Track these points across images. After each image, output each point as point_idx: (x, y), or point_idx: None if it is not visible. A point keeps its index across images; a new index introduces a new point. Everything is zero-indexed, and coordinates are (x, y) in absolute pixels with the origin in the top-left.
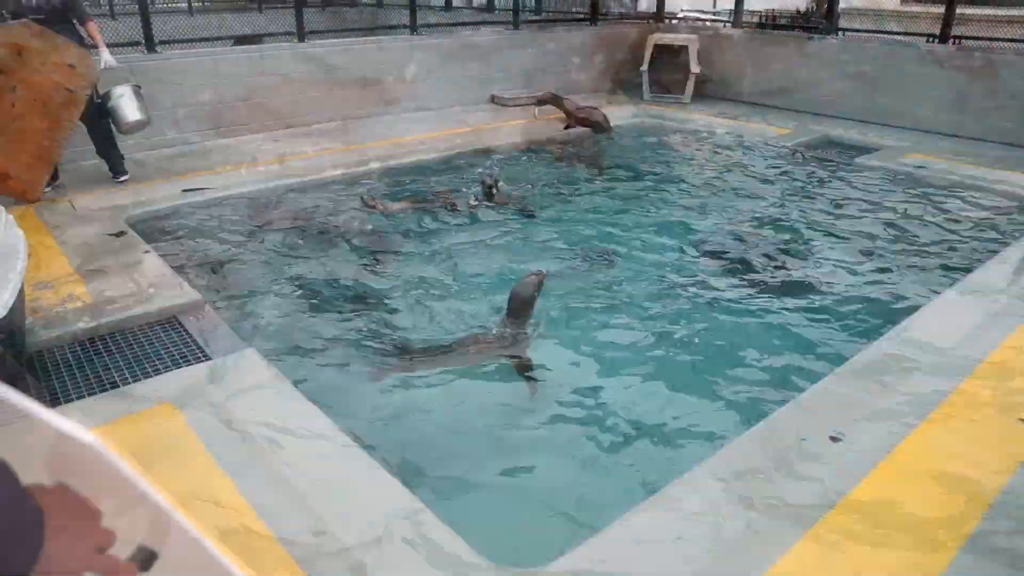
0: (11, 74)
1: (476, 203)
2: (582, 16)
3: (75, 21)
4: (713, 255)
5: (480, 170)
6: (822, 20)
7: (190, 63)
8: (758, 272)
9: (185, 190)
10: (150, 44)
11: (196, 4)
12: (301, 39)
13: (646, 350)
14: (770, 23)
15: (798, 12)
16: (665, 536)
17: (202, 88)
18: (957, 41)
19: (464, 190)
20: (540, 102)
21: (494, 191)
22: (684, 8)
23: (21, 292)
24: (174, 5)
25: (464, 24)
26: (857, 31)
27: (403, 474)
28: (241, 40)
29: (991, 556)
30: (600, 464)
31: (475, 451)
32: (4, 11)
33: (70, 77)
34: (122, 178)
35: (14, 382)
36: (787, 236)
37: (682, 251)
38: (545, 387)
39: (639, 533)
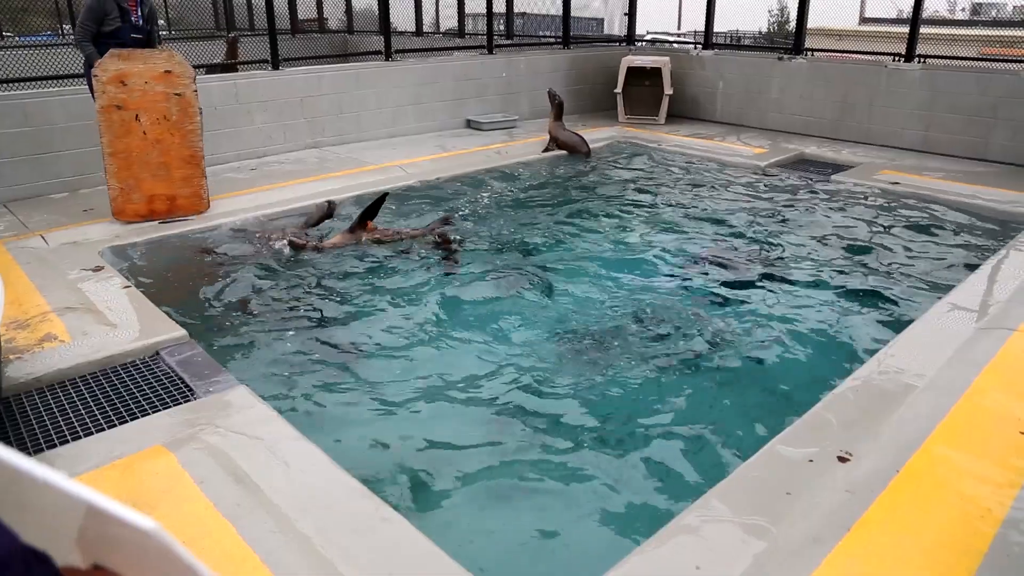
0: (127, 106)
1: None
2: (554, 40)
3: None
4: (695, 276)
5: (439, 217)
6: (786, 40)
7: None
8: (742, 292)
9: (163, 222)
10: None
11: (163, 32)
12: (275, 66)
13: (639, 376)
14: (734, 43)
15: (760, 33)
16: (684, 565)
17: None
18: (922, 60)
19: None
20: (551, 97)
21: (453, 246)
22: (650, 31)
23: None
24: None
25: (438, 50)
26: (823, 51)
27: (409, 511)
28: (213, 68)
29: (1010, 571)
30: (606, 492)
31: (482, 484)
32: (103, 34)
33: (172, 82)
34: None
35: None
36: (769, 255)
37: (663, 273)
38: (547, 416)
39: (658, 564)
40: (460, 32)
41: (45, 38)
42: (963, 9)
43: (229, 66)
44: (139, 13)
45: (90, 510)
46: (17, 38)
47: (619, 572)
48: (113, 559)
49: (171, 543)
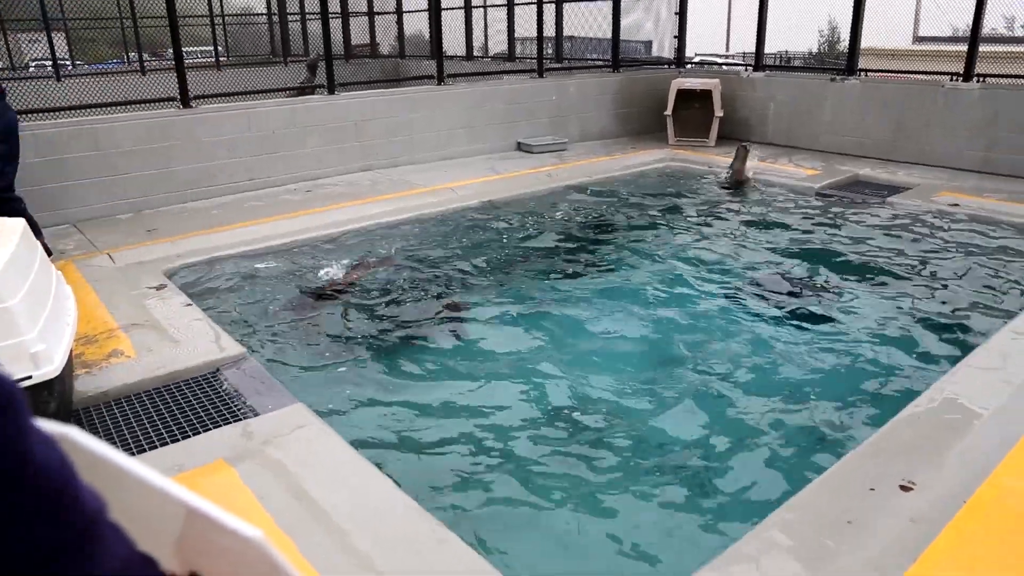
0: None
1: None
2: (603, 63)
3: None
4: (748, 301)
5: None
6: (836, 61)
7: (223, 117)
8: (796, 318)
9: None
10: (185, 100)
11: (223, 59)
12: (331, 91)
13: (693, 401)
14: (783, 64)
15: (810, 53)
16: None
17: (234, 141)
18: (981, 78)
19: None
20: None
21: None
22: (699, 53)
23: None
24: (200, 60)
25: (489, 73)
26: (876, 71)
27: (465, 532)
28: (293, 90)
29: None
30: (662, 516)
31: (539, 507)
32: None
33: None
34: None
35: None
36: (824, 279)
37: (715, 297)
38: (598, 437)
39: None
40: (510, 55)
41: (112, 66)
42: (1023, 26)
43: (308, 89)
44: None
45: (191, 515)
46: (87, 66)
47: None
48: (210, 566)
49: (274, 554)
